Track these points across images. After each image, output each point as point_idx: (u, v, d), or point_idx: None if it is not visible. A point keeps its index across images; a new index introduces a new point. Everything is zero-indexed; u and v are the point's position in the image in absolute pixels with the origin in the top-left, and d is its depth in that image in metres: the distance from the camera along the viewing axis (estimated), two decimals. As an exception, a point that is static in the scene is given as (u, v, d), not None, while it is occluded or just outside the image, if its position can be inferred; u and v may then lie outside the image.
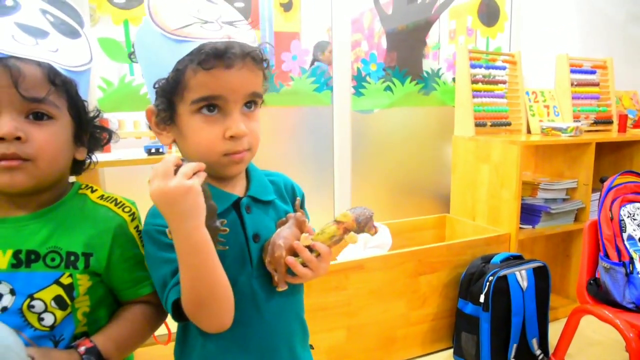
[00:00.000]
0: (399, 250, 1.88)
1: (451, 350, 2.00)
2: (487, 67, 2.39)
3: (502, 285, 1.80)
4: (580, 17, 2.68)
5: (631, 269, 1.71)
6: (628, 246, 1.74)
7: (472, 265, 1.92)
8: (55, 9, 0.76)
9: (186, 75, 0.66)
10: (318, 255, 0.74)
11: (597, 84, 2.68)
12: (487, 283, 1.79)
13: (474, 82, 2.33)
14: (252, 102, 0.72)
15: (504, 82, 2.46)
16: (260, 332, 0.76)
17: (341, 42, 2.16)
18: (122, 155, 1.51)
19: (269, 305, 0.76)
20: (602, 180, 1.90)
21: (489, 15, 2.55)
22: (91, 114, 0.78)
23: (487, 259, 1.93)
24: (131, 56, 0.77)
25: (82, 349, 0.70)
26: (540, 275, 1.89)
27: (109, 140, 0.83)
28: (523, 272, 1.85)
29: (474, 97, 2.31)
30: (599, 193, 2.33)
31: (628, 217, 1.79)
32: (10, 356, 0.58)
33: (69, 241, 0.72)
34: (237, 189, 0.77)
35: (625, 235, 1.76)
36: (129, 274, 0.77)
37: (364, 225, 0.76)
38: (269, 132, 2.11)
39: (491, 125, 2.37)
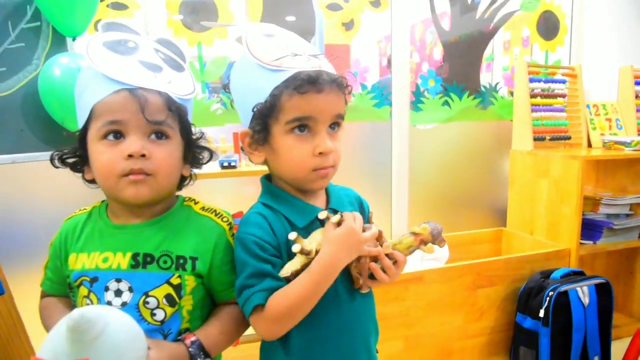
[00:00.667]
0: (457, 263, 1.91)
1: (508, 365, 2.00)
2: (547, 81, 2.38)
3: (563, 301, 1.80)
4: (645, 28, 2.62)
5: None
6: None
7: (532, 279, 1.93)
8: (165, 47, 0.90)
9: (282, 99, 0.77)
10: (395, 262, 0.82)
11: (663, 97, 2.60)
12: (547, 298, 1.79)
13: (533, 96, 2.33)
14: (336, 123, 0.82)
15: (563, 96, 2.44)
16: (340, 332, 0.83)
17: (400, 58, 2.22)
18: (198, 169, 1.64)
19: (350, 307, 0.84)
20: (670, 197, 1.86)
21: (549, 28, 2.54)
22: (196, 136, 0.89)
23: (546, 274, 1.93)
24: (225, 88, 0.89)
25: (187, 341, 0.79)
26: (603, 292, 1.87)
27: (210, 159, 0.94)
28: (585, 288, 1.84)
29: (532, 111, 2.31)
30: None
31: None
32: (139, 342, 0.69)
33: (179, 246, 0.82)
34: (319, 203, 0.87)
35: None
36: (227, 277, 0.86)
37: (436, 237, 0.84)
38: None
39: (550, 139, 2.35)
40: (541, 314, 1.80)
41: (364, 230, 0.84)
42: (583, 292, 1.83)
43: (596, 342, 1.85)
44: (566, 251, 2.09)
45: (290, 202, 0.84)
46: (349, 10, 2.16)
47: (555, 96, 2.41)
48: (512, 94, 2.44)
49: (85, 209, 0.90)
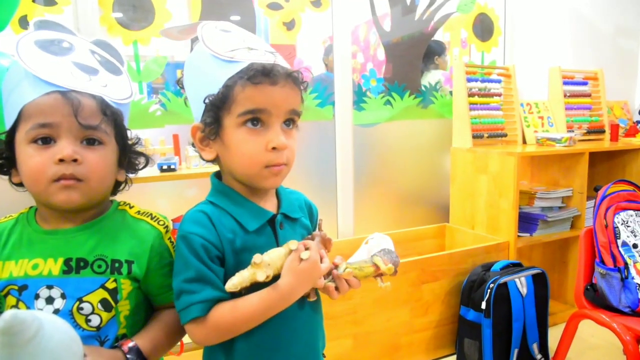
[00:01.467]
0: (402, 260, 1.93)
1: (454, 357, 2.06)
2: (483, 81, 2.47)
3: (503, 292, 1.86)
4: (572, 31, 2.78)
5: (626, 274, 1.78)
6: (622, 252, 1.81)
7: (473, 273, 1.99)
8: (101, 49, 0.86)
9: (235, 90, 0.75)
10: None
11: (588, 95, 2.77)
12: (488, 290, 1.85)
13: (471, 95, 2.41)
14: (290, 120, 0.80)
15: (499, 95, 2.54)
16: (288, 340, 0.82)
17: (342, 57, 2.23)
18: (134, 174, 1.58)
19: (299, 315, 0.82)
20: (596, 189, 1.97)
21: (484, 30, 2.64)
22: (132, 141, 0.86)
23: (487, 267, 1.99)
24: (178, 82, 0.85)
25: (125, 348, 0.77)
26: (539, 282, 1.96)
27: (146, 165, 0.90)
28: (522, 279, 1.91)
29: (470, 109, 2.39)
30: (593, 201, 2.42)
31: (622, 224, 1.86)
32: (75, 347, 0.64)
33: (113, 250, 0.79)
34: (269, 205, 0.84)
35: (619, 242, 1.83)
36: (164, 280, 0.84)
37: (394, 274, 0.87)
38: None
39: (488, 137, 2.44)
40: (483, 305, 1.86)
41: (312, 239, 0.84)
42: (521, 283, 1.91)
43: (534, 330, 1.93)
44: (505, 244, 2.17)
45: (241, 203, 0.82)
46: (290, 10, 2.14)
47: (491, 95, 2.51)
48: (451, 93, 2.51)
49: (11, 216, 0.84)
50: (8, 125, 0.76)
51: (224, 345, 0.81)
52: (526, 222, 2.29)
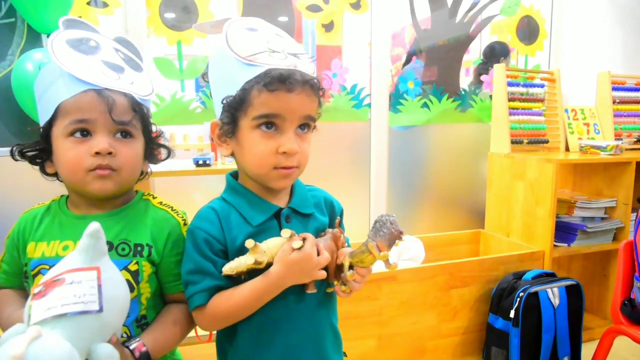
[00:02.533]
0: (430, 264, 1.93)
1: (481, 365, 2.03)
2: (525, 85, 2.42)
3: (533, 302, 1.82)
4: (623, 34, 2.66)
5: (667, 290, 1.70)
6: (664, 268, 1.73)
7: (504, 280, 1.95)
8: (123, 47, 0.92)
9: (252, 94, 0.78)
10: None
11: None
12: (518, 299, 1.82)
13: (511, 99, 2.36)
14: (305, 124, 0.83)
15: (542, 100, 2.47)
16: (287, 331, 0.85)
17: (380, 59, 2.24)
18: (173, 166, 1.65)
19: (298, 307, 0.85)
20: (639, 200, 1.90)
21: (529, 33, 2.57)
22: (155, 134, 0.92)
23: (518, 275, 1.95)
24: (204, 76, 0.91)
25: (137, 353, 0.78)
26: (574, 294, 1.90)
27: (167, 156, 0.96)
28: (555, 289, 1.86)
29: (510, 114, 2.34)
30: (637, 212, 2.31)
31: (665, 238, 1.77)
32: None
33: (136, 235, 0.86)
34: (281, 201, 0.88)
35: (661, 257, 1.75)
36: (175, 268, 0.88)
37: (392, 244, 0.82)
38: (308, 146, 2.22)
39: (528, 143, 2.39)
40: (512, 314, 1.82)
41: (324, 235, 0.86)
42: (553, 294, 1.86)
43: (566, 343, 1.88)
44: (540, 253, 2.12)
45: (250, 200, 0.85)
46: (329, 12, 2.18)
47: (533, 100, 2.45)
48: (491, 97, 2.47)
49: (43, 203, 0.92)
50: (44, 120, 0.83)
51: (229, 331, 0.85)
52: (564, 231, 2.22)
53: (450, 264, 1.94)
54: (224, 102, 0.81)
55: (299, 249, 0.78)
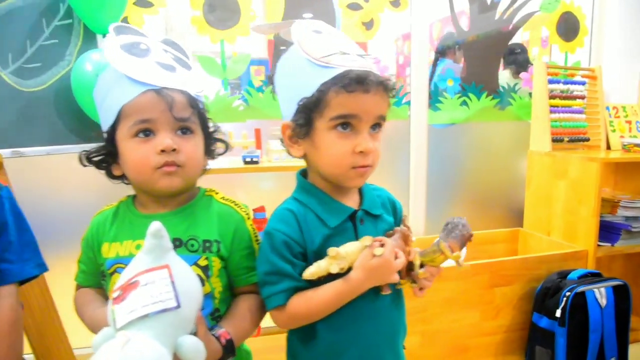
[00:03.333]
0: (474, 262, 1.92)
1: (523, 364, 2.01)
2: (566, 82, 2.38)
3: (580, 302, 1.80)
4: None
5: None
6: None
7: (548, 280, 1.93)
8: (170, 47, 0.93)
9: (329, 95, 0.79)
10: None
11: (684, 99, 2.59)
12: (564, 298, 1.80)
13: (552, 97, 2.33)
14: (377, 124, 0.84)
15: (582, 97, 2.44)
16: (365, 331, 0.86)
17: (419, 57, 2.24)
18: (220, 164, 1.68)
19: (374, 306, 0.86)
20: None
21: (569, 29, 2.53)
22: (212, 129, 0.93)
23: (563, 275, 1.93)
24: (269, 80, 0.92)
25: (223, 341, 0.81)
26: (621, 294, 1.87)
27: (225, 151, 0.97)
28: (602, 289, 1.84)
29: (551, 112, 2.31)
30: (685, 212, 2.26)
31: None
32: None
33: (204, 231, 0.87)
34: (352, 202, 0.89)
35: None
36: (244, 261, 0.90)
37: (463, 245, 0.85)
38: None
39: (568, 141, 2.35)
40: (558, 313, 1.80)
41: (392, 234, 0.87)
42: (600, 294, 1.83)
43: (613, 344, 1.85)
44: (583, 252, 2.09)
45: (323, 200, 0.86)
46: (369, 10, 2.18)
47: (574, 98, 2.41)
48: (530, 94, 2.44)
49: (111, 204, 0.94)
50: (106, 125, 0.85)
51: (306, 331, 0.86)
52: (608, 231, 2.18)
53: (492, 262, 1.93)
54: (300, 103, 0.82)
55: (379, 255, 0.79)
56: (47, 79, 1.45)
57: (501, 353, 2.01)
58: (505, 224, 2.54)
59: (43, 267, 0.96)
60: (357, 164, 0.81)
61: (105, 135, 0.86)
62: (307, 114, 0.82)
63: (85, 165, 0.89)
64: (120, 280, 0.71)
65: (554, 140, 2.31)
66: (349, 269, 0.81)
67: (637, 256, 2.35)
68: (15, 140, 1.36)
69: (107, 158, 0.88)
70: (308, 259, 0.84)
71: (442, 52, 2.41)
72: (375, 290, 0.84)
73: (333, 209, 0.86)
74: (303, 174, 0.93)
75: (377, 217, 0.90)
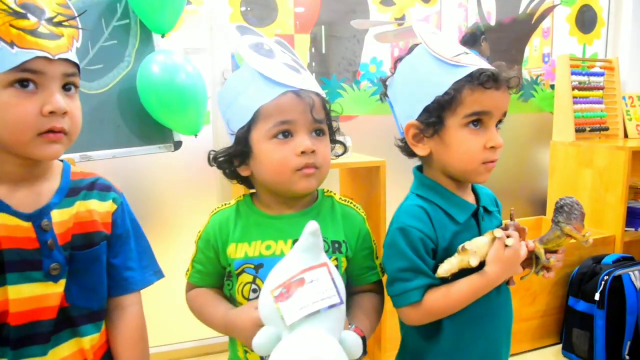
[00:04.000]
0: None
1: (558, 347, 2.09)
2: (586, 74, 2.46)
3: (617, 285, 1.88)
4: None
5: None
6: None
7: (584, 265, 2.01)
8: (284, 48, 0.92)
9: (463, 93, 0.80)
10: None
11: (695, 88, 2.69)
12: (602, 282, 1.88)
13: (574, 88, 2.41)
14: (500, 120, 0.86)
15: (601, 88, 2.52)
16: (487, 321, 0.90)
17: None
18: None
19: (498, 301, 0.90)
20: None
21: (587, 22, 2.61)
22: (334, 130, 0.93)
23: (597, 260, 2.01)
24: (383, 81, 0.93)
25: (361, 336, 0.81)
26: (653, 276, 1.96)
27: (344, 152, 0.99)
28: (637, 272, 1.92)
29: (574, 103, 2.39)
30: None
31: None
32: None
33: (332, 232, 0.88)
34: (470, 199, 0.91)
35: None
36: (366, 261, 0.92)
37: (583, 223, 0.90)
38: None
39: (589, 131, 2.44)
40: (596, 297, 1.88)
41: (506, 229, 0.89)
42: (635, 277, 1.92)
43: (647, 324, 1.94)
44: (611, 238, 2.18)
45: (448, 197, 0.88)
46: (401, 6, 2.21)
47: (593, 89, 2.49)
48: (552, 86, 2.51)
49: (229, 203, 0.94)
50: (238, 125, 0.84)
51: (432, 327, 0.88)
52: (632, 217, 2.27)
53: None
54: (431, 102, 0.83)
55: (511, 245, 0.82)
56: (109, 80, 1.45)
57: (538, 337, 2.09)
58: (529, 213, 2.62)
59: (160, 274, 0.95)
60: (487, 159, 0.84)
61: (234, 135, 0.86)
62: (439, 113, 0.83)
63: (211, 166, 0.90)
64: (273, 279, 0.72)
65: (577, 131, 2.39)
66: (481, 264, 0.84)
67: (657, 240, 2.45)
68: (83, 144, 1.36)
69: (234, 158, 0.87)
70: (437, 256, 0.86)
71: (468, 44, 2.46)
72: (497, 286, 0.88)
73: (458, 205, 0.88)
74: (420, 169, 0.94)
75: (491, 213, 0.94)
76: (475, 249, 0.83)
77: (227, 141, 0.90)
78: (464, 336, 0.88)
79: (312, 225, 0.72)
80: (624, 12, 2.62)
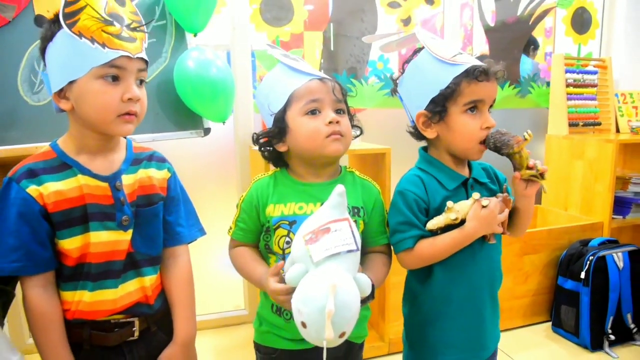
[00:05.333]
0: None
1: (548, 323, 2.28)
2: (580, 72, 2.63)
3: (601, 265, 2.06)
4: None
5: None
6: None
7: (572, 247, 2.19)
8: (302, 60, 1.14)
9: (461, 86, 1.00)
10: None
11: (684, 86, 2.86)
12: (588, 262, 2.06)
13: (568, 85, 2.58)
14: (491, 105, 1.06)
15: (594, 85, 2.69)
16: (472, 272, 1.08)
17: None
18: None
19: (480, 254, 1.08)
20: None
21: (582, 23, 2.78)
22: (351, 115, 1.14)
23: (585, 242, 2.19)
24: (394, 80, 1.13)
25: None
26: (635, 258, 2.13)
27: (359, 135, 1.18)
28: (619, 254, 2.10)
29: (568, 99, 2.56)
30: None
31: None
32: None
33: (353, 199, 1.07)
34: (464, 173, 1.11)
35: None
36: (378, 227, 1.11)
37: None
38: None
39: (583, 125, 2.61)
40: (582, 275, 2.06)
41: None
42: (618, 257, 2.10)
43: (629, 301, 2.12)
44: (599, 224, 2.36)
45: (441, 169, 1.09)
46: (407, 8, 2.40)
47: (587, 86, 2.67)
48: (548, 83, 2.69)
49: (266, 173, 1.13)
50: (277, 107, 1.05)
51: (425, 274, 1.09)
52: (619, 205, 2.45)
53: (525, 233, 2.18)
54: (436, 95, 1.02)
55: (486, 206, 1.01)
56: (149, 74, 1.64)
57: (529, 314, 2.28)
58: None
59: (203, 232, 1.16)
60: (483, 138, 1.03)
61: (274, 116, 1.06)
62: (443, 103, 1.03)
63: (255, 145, 1.11)
64: (305, 228, 0.91)
65: (571, 125, 2.56)
66: (462, 222, 1.03)
67: (644, 227, 2.63)
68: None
69: (273, 138, 1.07)
70: (429, 214, 1.06)
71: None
72: (480, 241, 1.06)
73: (449, 175, 1.09)
74: (425, 149, 1.15)
75: (483, 184, 1.12)
76: (458, 208, 1.03)
77: (247, 132, 1.10)
78: (450, 280, 1.08)
79: (340, 188, 0.91)
80: (617, 14, 2.79)
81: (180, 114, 1.69)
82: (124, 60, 0.91)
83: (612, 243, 2.19)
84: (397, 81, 1.13)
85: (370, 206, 1.11)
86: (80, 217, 0.93)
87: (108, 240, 0.96)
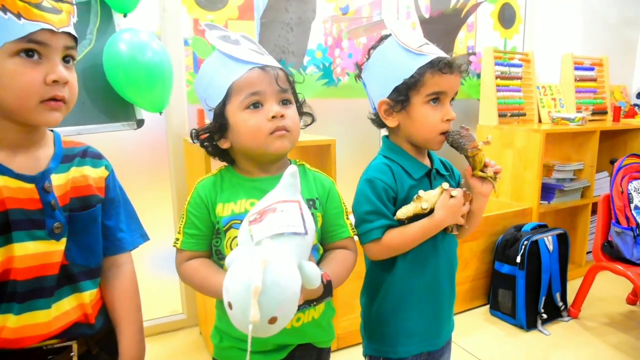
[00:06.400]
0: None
1: (486, 307, 2.36)
2: (507, 65, 2.75)
3: (534, 249, 2.17)
4: (583, 20, 3.07)
5: (638, 232, 2.11)
6: (635, 214, 2.14)
7: (507, 232, 2.29)
8: (249, 41, 1.02)
9: (425, 76, 0.98)
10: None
11: (594, 80, 3.08)
12: (523, 246, 2.16)
13: (496, 77, 2.69)
14: (453, 98, 1.04)
15: (519, 78, 2.82)
16: (433, 263, 1.07)
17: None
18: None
19: (442, 245, 1.08)
20: (612, 162, 2.29)
21: (507, 18, 2.90)
22: (300, 103, 1.05)
23: (518, 228, 2.30)
24: (358, 66, 1.07)
25: (324, 281, 0.90)
26: (562, 241, 2.27)
27: (311, 122, 1.10)
28: (550, 237, 2.22)
29: (497, 91, 2.67)
30: (601, 173, 2.75)
31: (634, 191, 2.18)
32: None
33: (305, 191, 0.99)
34: (426, 163, 1.09)
35: (632, 206, 2.16)
36: (335, 220, 1.03)
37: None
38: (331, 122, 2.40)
39: (510, 116, 2.73)
40: (518, 259, 2.16)
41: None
42: (549, 241, 2.22)
43: (557, 282, 2.26)
44: (529, 210, 2.48)
45: (407, 158, 1.07)
46: (345, -4, 2.35)
47: (513, 78, 2.79)
48: (478, 75, 2.78)
49: (212, 173, 1.03)
50: (216, 101, 0.94)
51: (388, 264, 1.06)
52: (545, 191, 2.60)
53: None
54: (399, 83, 0.99)
55: (455, 196, 1.01)
56: (72, 58, 1.45)
57: (468, 299, 2.35)
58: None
59: (146, 237, 1.02)
60: (444, 130, 1.02)
61: (213, 111, 0.96)
62: (406, 92, 1.00)
63: (194, 142, 0.99)
64: (255, 209, 0.83)
65: (500, 115, 2.67)
66: (429, 212, 1.01)
67: (564, 211, 2.80)
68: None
69: (214, 134, 0.97)
70: (397, 203, 1.03)
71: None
72: (442, 232, 1.06)
73: (415, 165, 1.06)
74: (388, 137, 1.11)
75: (443, 176, 1.12)
76: (427, 197, 1.01)
77: (180, 124, 0.98)
78: (412, 270, 1.06)
79: (292, 168, 0.84)
80: (538, 10, 2.95)
81: (110, 104, 1.51)
82: (45, 34, 0.75)
83: (542, 227, 2.31)
84: (362, 67, 1.08)
85: (325, 196, 1.03)
86: (1, 226, 0.77)
87: (36, 253, 0.81)
